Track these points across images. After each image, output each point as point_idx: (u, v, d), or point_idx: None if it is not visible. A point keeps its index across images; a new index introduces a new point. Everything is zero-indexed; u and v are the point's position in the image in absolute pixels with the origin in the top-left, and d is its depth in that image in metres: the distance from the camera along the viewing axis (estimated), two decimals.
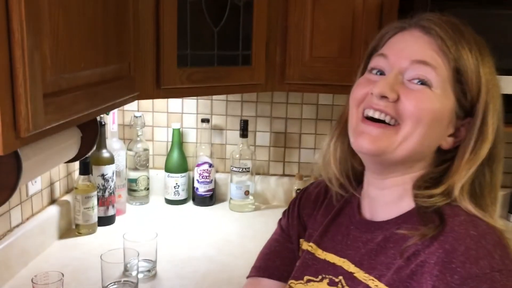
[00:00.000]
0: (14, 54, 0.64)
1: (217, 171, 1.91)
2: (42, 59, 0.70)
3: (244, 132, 1.80)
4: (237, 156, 1.80)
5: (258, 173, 1.91)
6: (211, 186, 1.84)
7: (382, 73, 0.75)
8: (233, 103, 1.88)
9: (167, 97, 1.49)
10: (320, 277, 0.79)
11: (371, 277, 0.72)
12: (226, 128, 1.91)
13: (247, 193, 1.82)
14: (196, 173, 1.82)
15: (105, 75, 0.94)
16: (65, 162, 1.17)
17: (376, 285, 0.71)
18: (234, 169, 1.81)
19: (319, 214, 0.89)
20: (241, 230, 1.66)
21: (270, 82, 1.50)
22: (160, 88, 1.24)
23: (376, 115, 0.72)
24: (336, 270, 0.78)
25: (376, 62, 0.75)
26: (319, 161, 0.87)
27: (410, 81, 0.71)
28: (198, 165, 1.82)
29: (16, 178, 0.79)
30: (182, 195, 1.85)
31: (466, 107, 0.72)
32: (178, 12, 1.23)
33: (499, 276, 0.63)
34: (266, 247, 0.97)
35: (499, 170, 0.74)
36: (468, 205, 0.70)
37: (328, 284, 0.77)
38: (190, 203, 1.87)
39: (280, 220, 0.99)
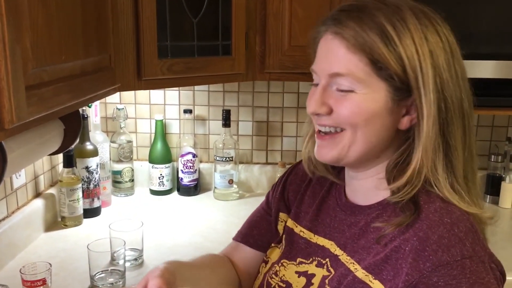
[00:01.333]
0: None
1: (201, 161, 1.93)
2: (23, 52, 0.71)
3: (226, 122, 1.82)
4: (220, 145, 1.82)
5: (241, 162, 1.94)
6: (196, 176, 1.87)
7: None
8: (215, 94, 1.90)
9: (149, 89, 1.50)
10: (311, 259, 0.82)
11: (352, 261, 0.75)
12: (208, 119, 1.93)
13: (231, 182, 1.84)
14: (180, 164, 1.84)
15: (86, 67, 0.96)
16: (49, 155, 1.18)
17: (356, 269, 0.74)
18: (218, 158, 1.83)
19: (307, 195, 0.92)
20: (226, 218, 1.69)
21: (251, 71, 1.52)
22: (141, 80, 1.26)
23: (322, 129, 0.77)
24: (325, 252, 0.81)
25: (314, 76, 0.78)
26: (302, 156, 0.90)
27: (339, 90, 0.73)
28: (182, 156, 1.84)
29: (1, 169, 0.80)
30: (167, 186, 1.87)
31: (403, 88, 0.71)
32: (157, 4, 1.24)
33: (469, 263, 0.66)
34: (251, 215, 1.04)
35: (467, 148, 0.73)
36: (443, 190, 0.71)
37: (316, 265, 0.80)
38: (175, 193, 1.90)
39: (269, 192, 1.02)
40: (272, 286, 0.85)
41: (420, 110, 0.70)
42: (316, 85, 0.77)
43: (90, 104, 1.69)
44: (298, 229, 0.89)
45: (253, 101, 1.91)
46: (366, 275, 0.72)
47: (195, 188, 1.88)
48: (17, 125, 0.71)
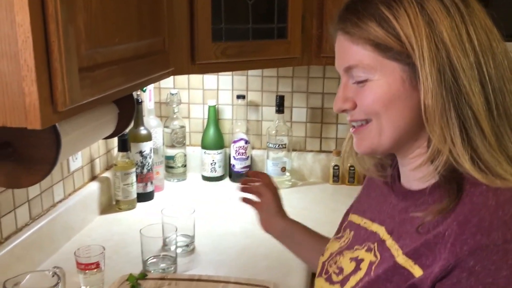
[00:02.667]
0: (49, 28, 0.64)
1: (253, 148, 1.90)
2: (77, 33, 0.70)
3: (280, 108, 1.77)
4: (273, 132, 1.78)
5: (294, 150, 1.89)
6: (248, 162, 1.84)
7: None
8: (268, 79, 1.86)
9: (202, 73, 1.48)
10: (363, 244, 0.82)
11: (396, 246, 0.73)
12: (262, 104, 1.89)
13: (283, 169, 1.80)
14: (233, 150, 1.82)
15: (140, 50, 0.94)
16: (103, 139, 1.18)
17: (398, 254, 0.72)
18: (270, 145, 1.79)
19: (371, 186, 0.91)
20: None
21: (307, 55, 1.46)
22: (195, 64, 1.23)
23: (354, 124, 0.77)
24: (375, 237, 0.80)
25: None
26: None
27: (357, 83, 0.74)
28: (234, 142, 1.81)
29: (55, 153, 0.80)
30: (219, 172, 1.86)
31: (411, 63, 0.68)
32: None
33: None
34: None
35: (497, 117, 0.67)
36: (465, 165, 0.66)
37: (366, 250, 0.80)
38: (227, 180, 1.88)
39: None
40: (329, 274, 0.86)
41: (420, 83, 0.68)
42: None
43: (144, 89, 1.69)
44: (362, 221, 0.88)
45: (308, 87, 1.86)
46: (406, 260, 0.70)
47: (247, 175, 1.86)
48: (71, 108, 0.69)
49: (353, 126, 0.77)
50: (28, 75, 0.63)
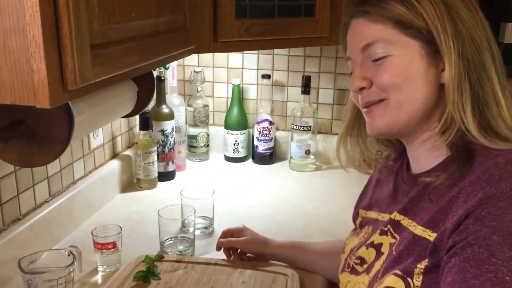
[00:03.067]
0: (58, 2, 0.60)
1: (277, 129, 1.86)
2: (89, 8, 0.66)
3: (306, 89, 1.72)
4: (299, 113, 1.73)
5: (320, 132, 1.84)
6: (271, 144, 1.80)
7: None
8: (295, 58, 1.80)
9: (225, 51, 1.43)
10: (375, 231, 0.84)
11: (414, 223, 0.75)
12: (287, 85, 1.84)
13: (308, 152, 1.76)
14: (256, 131, 1.78)
15: (158, 26, 0.90)
16: (123, 117, 1.16)
17: (416, 228, 0.74)
18: (295, 127, 1.75)
19: (380, 181, 0.93)
20: (300, 190, 1.61)
21: (335, 35, 1.38)
22: (217, 42, 1.19)
23: (368, 105, 0.79)
24: (387, 221, 0.82)
25: (350, 65, 0.82)
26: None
27: (374, 61, 0.76)
28: (258, 123, 1.78)
29: (68, 132, 0.78)
30: (241, 153, 1.83)
31: (430, 39, 0.72)
32: None
33: None
34: None
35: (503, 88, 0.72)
36: (472, 130, 0.70)
37: (379, 234, 0.81)
38: (250, 161, 1.85)
39: None
40: (351, 266, 0.87)
41: (443, 56, 0.72)
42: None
43: (167, 66, 1.66)
44: (380, 215, 0.88)
45: (336, 67, 1.79)
46: (424, 230, 0.72)
47: (270, 157, 1.82)
48: (82, 86, 0.66)
49: (367, 107, 0.78)
50: (36, 51, 0.60)
